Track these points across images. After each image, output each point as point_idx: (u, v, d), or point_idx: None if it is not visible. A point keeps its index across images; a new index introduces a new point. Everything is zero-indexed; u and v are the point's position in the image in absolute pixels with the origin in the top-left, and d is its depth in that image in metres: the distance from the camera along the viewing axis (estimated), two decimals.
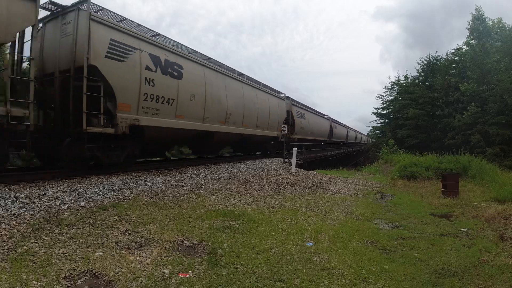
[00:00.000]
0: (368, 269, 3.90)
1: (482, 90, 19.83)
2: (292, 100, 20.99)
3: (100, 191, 6.41)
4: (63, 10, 7.49)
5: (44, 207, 5.10)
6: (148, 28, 9.60)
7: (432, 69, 26.57)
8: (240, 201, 7.53)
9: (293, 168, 13.87)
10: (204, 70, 11.06)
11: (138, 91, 8.14)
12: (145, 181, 7.74)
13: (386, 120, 29.82)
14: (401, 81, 29.87)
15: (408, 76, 29.95)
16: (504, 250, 4.65)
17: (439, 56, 27.43)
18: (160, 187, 7.62)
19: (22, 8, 5.92)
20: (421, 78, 27.94)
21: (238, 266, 3.80)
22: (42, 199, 5.37)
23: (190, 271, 3.60)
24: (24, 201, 5.14)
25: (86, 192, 6.14)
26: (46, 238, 4.11)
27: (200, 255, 4.12)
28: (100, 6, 8.03)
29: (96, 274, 3.38)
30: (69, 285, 3.14)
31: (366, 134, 57.61)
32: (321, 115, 29.51)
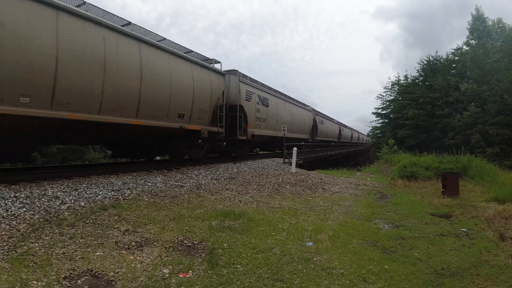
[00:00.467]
0: (368, 269, 3.90)
1: (482, 90, 19.83)
2: (316, 110, 26.12)
3: (100, 191, 6.42)
4: (227, 73, 13.32)
5: (44, 207, 5.10)
6: (257, 80, 16.22)
7: (432, 69, 26.56)
8: (240, 201, 7.53)
9: (293, 168, 13.87)
10: (277, 101, 18.18)
11: (254, 116, 14.79)
12: (145, 181, 7.74)
13: (386, 120, 29.81)
14: (401, 81, 29.90)
15: (408, 76, 29.98)
16: (504, 250, 4.65)
17: (439, 56, 27.46)
18: (160, 187, 7.62)
19: (222, 81, 12.23)
20: (421, 78, 27.94)
21: (238, 266, 3.80)
22: (42, 199, 5.37)
23: (190, 271, 3.60)
24: (24, 201, 5.14)
25: (86, 192, 6.15)
26: (46, 238, 4.12)
27: (200, 255, 4.12)
28: (242, 73, 14.34)
29: (96, 274, 3.38)
30: (69, 285, 3.14)
31: (366, 134, 57.60)
32: (333, 120, 34.78)
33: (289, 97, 20.99)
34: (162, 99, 8.90)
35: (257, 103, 15.07)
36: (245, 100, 13.95)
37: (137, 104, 8.05)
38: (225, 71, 13.03)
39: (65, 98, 6.31)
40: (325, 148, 27.01)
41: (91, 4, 7.31)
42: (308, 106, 25.11)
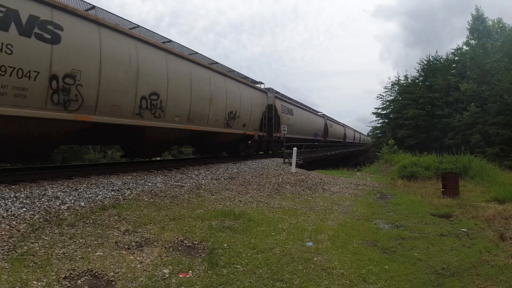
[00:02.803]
0: (368, 269, 3.90)
1: (482, 90, 19.82)
2: (326, 116, 22.85)
3: (100, 191, 6.42)
4: (267, 91, 17.57)
5: (44, 207, 5.10)
6: (284, 94, 21.11)
7: (432, 69, 26.53)
8: (240, 201, 7.53)
9: (293, 168, 13.87)
10: (299, 110, 22.84)
11: (284, 123, 18.48)
12: (145, 181, 7.74)
13: (386, 120, 29.78)
14: (401, 81, 29.86)
15: (408, 76, 29.94)
16: (504, 250, 4.65)
17: (439, 56, 27.40)
18: (160, 187, 7.62)
19: (265, 97, 16.75)
20: (421, 78, 27.90)
21: (238, 266, 3.80)
22: (42, 199, 5.37)
23: (190, 271, 3.60)
24: (24, 201, 5.15)
25: (86, 192, 6.15)
26: (46, 238, 4.12)
27: (200, 255, 4.12)
28: (275, 90, 18.47)
29: (96, 274, 3.38)
30: (69, 285, 3.14)
31: (366, 134, 57.65)
32: (314, 112, 28.24)
33: (307, 106, 26.14)
34: (237, 115, 13.55)
35: (286, 113, 19.44)
36: (284, 111, 19.06)
37: (224, 118, 12.63)
38: (265, 88, 17.85)
39: (193, 118, 10.59)
40: (327, 148, 27.40)
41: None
42: (319, 112, 29.90)
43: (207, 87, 11.26)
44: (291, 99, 22.28)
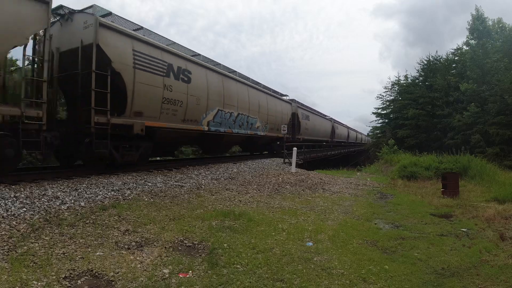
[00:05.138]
0: (368, 269, 3.90)
1: (482, 90, 19.82)
2: (298, 102, 23.44)
3: (100, 191, 6.42)
4: (291, 101, 21.50)
5: (44, 207, 5.10)
6: (302, 103, 24.12)
7: (432, 69, 26.52)
8: (240, 201, 7.53)
9: (293, 168, 13.87)
10: (313, 116, 26.41)
11: (303, 127, 22.58)
12: (145, 181, 7.74)
13: (386, 120, 29.77)
14: (401, 81, 29.86)
15: (408, 76, 29.94)
16: (504, 250, 4.65)
17: (439, 56, 27.39)
18: (160, 187, 7.62)
19: (289, 107, 21.17)
20: (421, 78, 27.89)
21: (238, 266, 3.80)
22: (42, 199, 5.37)
23: (190, 271, 3.60)
24: (24, 201, 5.15)
25: (86, 192, 6.14)
26: (46, 238, 4.12)
27: (200, 255, 4.12)
28: (297, 101, 22.39)
29: (96, 274, 3.38)
30: (69, 285, 3.14)
31: (366, 134, 57.76)
32: (323, 116, 31.55)
33: (319, 112, 29.69)
34: (273, 121, 17.64)
35: (304, 119, 23.13)
36: (302, 118, 22.92)
37: (265, 123, 16.66)
38: (291, 99, 21.73)
39: (250, 126, 14.99)
40: (327, 148, 28.26)
41: (116, 15, 8.40)
42: (327, 115, 33.31)
43: (255, 102, 15.60)
44: (308, 106, 26.36)
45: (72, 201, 5.59)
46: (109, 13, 8.32)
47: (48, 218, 4.75)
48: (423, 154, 16.32)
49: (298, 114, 21.78)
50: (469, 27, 23.95)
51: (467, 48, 24.05)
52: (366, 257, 4.31)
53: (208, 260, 3.92)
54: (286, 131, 18.53)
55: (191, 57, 11.01)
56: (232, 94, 13.15)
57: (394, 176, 13.60)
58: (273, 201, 7.93)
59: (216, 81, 12.10)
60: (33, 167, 9.24)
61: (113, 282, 3.25)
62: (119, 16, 8.73)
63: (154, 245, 4.28)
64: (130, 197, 6.45)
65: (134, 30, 8.95)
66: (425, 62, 27.54)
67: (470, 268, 4.05)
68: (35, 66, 6.82)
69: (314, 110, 28.11)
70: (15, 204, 4.93)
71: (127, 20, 8.99)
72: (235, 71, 14.70)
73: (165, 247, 4.24)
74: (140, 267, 3.62)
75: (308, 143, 21.44)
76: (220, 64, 13.43)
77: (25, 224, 4.40)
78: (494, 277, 3.75)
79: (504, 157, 16.40)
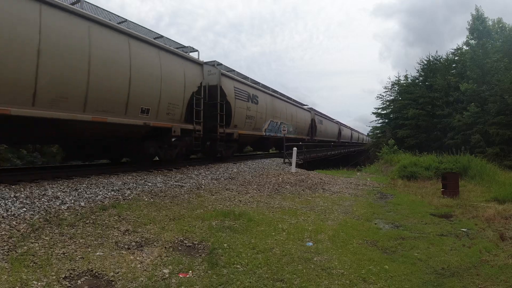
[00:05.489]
0: (368, 269, 3.90)
1: (482, 90, 19.81)
2: (315, 110, 28.45)
3: (100, 191, 6.42)
4: (311, 110, 27.36)
5: (44, 207, 5.10)
6: (318, 110, 29.01)
7: (432, 69, 26.51)
8: (240, 201, 7.53)
9: (293, 168, 13.87)
10: (326, 121, 30.92)
11: (318, 130, 27.52)
12: (145, 181, 7.74)
13: (386, 120, 29.76)
14: (401, 81, 29.84)
15: (408, 76, 29.92)
16: (504, 250, 4.65)
17: (439, 56, 27.36)
18: (160, 187, 7.62)
19: (309, 115, 26.11)
20: (421, 78, 27.86)
21: (238, 266, 3.80)
22: (42, 199, 5.37)
23: (190, 271, 3.60)
24: (24, 201, 5.15)
25: (86, 192, 6.14)
26: (46, 238, 4.12)
27: (200, 255, 4.12)
28: (314, 109, 28.03)
29: (96, 274, 3.38)
30: (69, 285, 3.14)
31: (366, 134, 57.81)
32: (332, 120, 36.10)
33: (328, 116, 33.57)
34: (301, 126, 22.57)
35: (318, 123, 27.25)
36: (318, 122, 27.26)
37: (295, 128, 21.50)
38: (309, 108, 26.50)
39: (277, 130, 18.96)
40: (327, 148, 28.73)
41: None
42: (334, 119, 36.58)
43: (290, 113, 19.95)
44: (321, 113, 30.28)
45: (72, 201, 5.59)
46: (220, 63, 13.14)
47: (48, 218, 4.75)
48: (423, 154, 16.31)
49: (315, 120, 26.86)
50: (469, 27, 23.94)
51: (467, 48, 24.04)
52: (366, 257, 4.32)
53: (208, 260, 3.92)
54: (307, 134, 24.04)
55: (258, 86, 16.25)
56: (277, 109, 17.91)
57: (394, 176, 13.60)
58: (273, 201, 7.93)
59: (269, 100, 16.97)
60: (33, 167, 9.24)
61: (113, 282, 3.25)
62: (224, 65, 13.62)
63: (154, 245, 4.28)
64: (130, 197, 6.45)
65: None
66: (425, 62, 27.53)
67: (470, 268, 4.05)
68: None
69: (326, 115, 33.17)
70: (15, 204, 4.93)
71: (228, 66, 14.02)
72: (276, 91, 19.60)
73: (165, 247, 4.24)
74: (140, 267, 3.62)
75: (321, 143, 27.58)
76: (269, 87, 18.47)
77: (25, 224, 4.40)
78: (494, 277, 3.75)
79: (504, 157, 16.39)
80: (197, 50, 11.28)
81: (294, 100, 27.14)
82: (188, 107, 10.26)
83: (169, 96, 9.28)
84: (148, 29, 9.51)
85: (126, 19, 8.63)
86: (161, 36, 9.87)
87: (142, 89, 8.24)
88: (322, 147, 31.71)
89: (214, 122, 11.79)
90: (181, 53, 10.19)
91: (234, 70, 14.48)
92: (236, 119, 13.20)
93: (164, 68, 9.01)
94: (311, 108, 35.11)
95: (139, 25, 9.12)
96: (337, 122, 45.37)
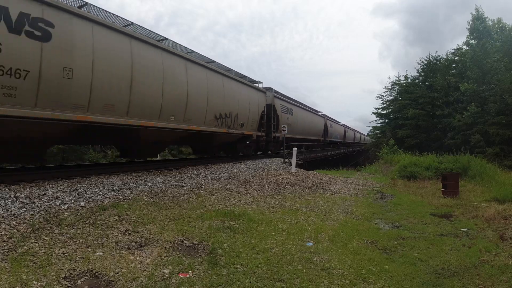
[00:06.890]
0: (368, 269, 3.90)
1: (482, 90, 19.81)
2: (326, 116, 27.06)
3: (100, 191, 6.41)
4: (324, 116, 33.06)
5: (44, 207, 5.10)
6: (329, 115, 34.14)
7: (432, 69, 26.51)
8: (240, 201, 7.54)
9: (293, 168, 13.87)
10: (335, 124, 37.57)
11: (328, 131, 31.75)
12: (145, 181, 7.74)
13: (386, 120, 29.78)
14: (401, 81, 29.86)
15: (408, 76, 29.93)
16: (504, 250, 4.65)
17: (439, 56, 27.38)
18: (160, 187, 7.62)
19: (322, 120, 31.27)
20: (421, 78, 27.88)
21: (238, 266, 3.80)
22: (42, 199, 5.37)
23: (190, 271, 3.60)
24: (24, 201, 5.14)
25: (86, 192, 6.14)
26: (46, 238, 4.12)
27: (200, 255, 4.12)
28: (326, 115, 32.98)
29: (96, 274, 3.38)
30: (69, 285, 3.14)
31: (366, 134, 57.91)
32: (314, 111, 28.52)
33: (306, 105, 30.58)
34: (314, 133, 26.53)
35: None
36: (329, 126, 30.92)
37: (322, 133, 28.96)
38: (323, 114, 30.63)
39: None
40: (327, 148, 28.80)
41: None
42: (319, 111, 35.72)
43: (310, 119, 25.26)
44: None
45: (72, 201, 5.59)
46: (272, 88, 18.63)
47: (48, 218, 4.75)
48: (423, 154, 16.31)
49: (327, 124, 29.26)
50: (469, 27, 23.93)
51: (467, 48, 24.04)
52: (366, 257, 4.32)
53: (208, 260, 3.92)
54: (321, 135, 25.99)
55: (291, 101, 21.19)
56: (303, 117, 23.12)
57: (394, 176, 13.60)
58: (273, 201, 7.93)
59: (299, 111, 22.19)
60: (33, 167, 9.24)
61: (113, 282, 3.25)
62: (274, 89, 18.90)
63: (154, 245, 4.28)
64: (130, 197, 6.45)
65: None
66: (425, 62, 27.54)
67: (470, 268, 4.05)
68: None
69: (334, 120, 35.37)
70: (15, 204, 4.93)
71: (278, 91, 19.56)
72: (301, 103, 24.52)
73: (165, 247, 4.24)
74: (140, 267, 3.62)
75: (331, 143, 25.71)
76: (297, 100, 23.09)
77: (25, 224, 4.40)
78: (494, 277, 3.75)
79: (504, 157, 16.39)
80: (261, 82, 16.88)
81: (312, 109, 30.65)
82: (259, 120, 15.52)
83: (252, 114, 14.79)
84: (226, 66, 13.98)
85: (202, 54, 12.45)
86: (239, 74, 15.02)
87: (242, 112, 13.72)
88: (332, 146, 33.74)
89: (269, 129, 16.85)
90: (256, 86, 16.03)
91: (278, 92, 19.68)
92: (281, 126, 18.06)
93: (250, 99, 14.68)
94: (324, 115, 37.26)
95: (214, 61, 12.88)
96: (343, 125, 46.76)
